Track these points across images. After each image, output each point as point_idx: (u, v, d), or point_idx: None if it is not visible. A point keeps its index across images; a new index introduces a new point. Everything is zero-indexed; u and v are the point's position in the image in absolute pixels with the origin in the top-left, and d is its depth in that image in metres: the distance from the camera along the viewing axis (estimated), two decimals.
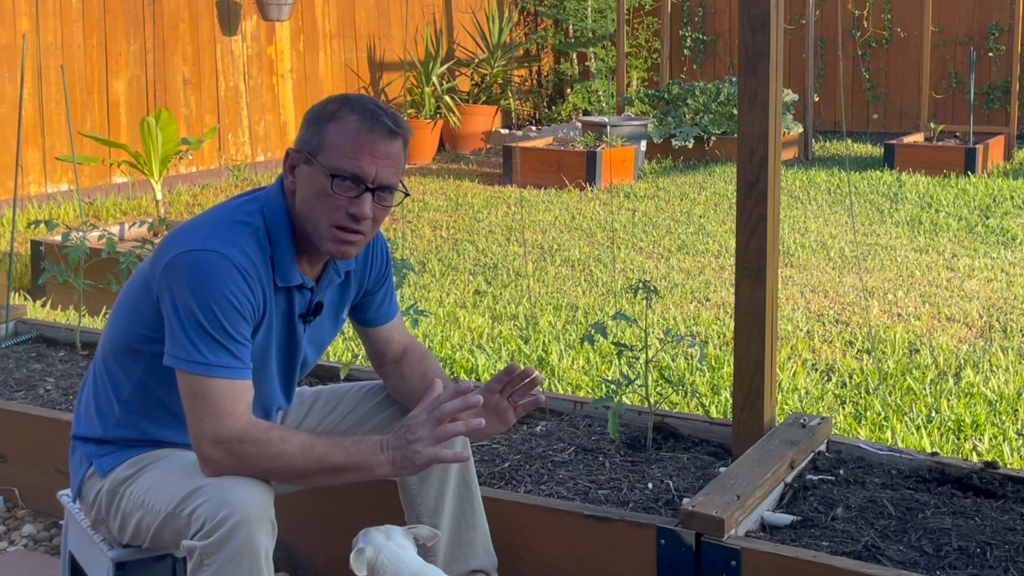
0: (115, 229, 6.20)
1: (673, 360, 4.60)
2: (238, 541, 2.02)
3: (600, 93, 12.31)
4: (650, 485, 2.95)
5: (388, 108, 2.25)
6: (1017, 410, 4.02)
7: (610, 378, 4.02)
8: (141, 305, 2.23)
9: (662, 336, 4.62)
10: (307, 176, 2.23)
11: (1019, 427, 3.86)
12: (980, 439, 3.73)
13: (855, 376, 4.42)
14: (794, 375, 4.45)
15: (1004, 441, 3.71)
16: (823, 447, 3.08)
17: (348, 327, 5.10)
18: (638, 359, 3.42)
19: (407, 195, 2.31)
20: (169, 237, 2.23)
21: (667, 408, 3.81)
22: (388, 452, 2.09)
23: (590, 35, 12.70)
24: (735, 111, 9.51)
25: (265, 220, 2.24)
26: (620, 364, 4.28)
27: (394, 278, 2.62)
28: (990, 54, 11.86)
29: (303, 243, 2.27)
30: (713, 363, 4.55)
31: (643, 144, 9.83)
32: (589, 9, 12.64)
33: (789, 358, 4.68)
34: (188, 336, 2.11)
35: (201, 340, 2.11)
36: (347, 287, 2.44)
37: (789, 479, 2.87)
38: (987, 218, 7.55)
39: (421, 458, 2.08)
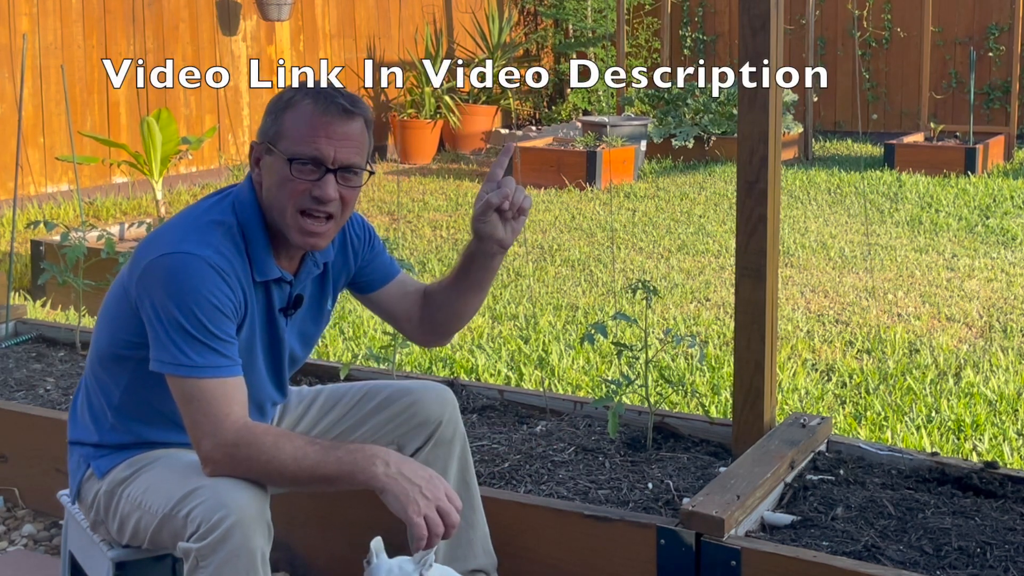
0: (115, 229, 6.20)
1: (673, 360, 4.60)
2: (234, 543, 2.01)
3: (600, 93, 12.31)
4: (650, 485, 2.95)
5: (345, 91, 2.26)
6: (1017, 410, 4.02)
7: (610, 378, 4.02)
8: (122, 312, 2.23)
9: (662, 336, 4.62)
10: (269, 166, 2.23)
11: (1019, 427, 3.86)
12: (980, 439, 3.72)
13: (855, 376, 4.42)
14: (794, 375, 4.45)
15: (1004, 441, 3.71)
16: (823, 447, 3.08)
17: (349, 328, 5.12)
18: (638, 359, 3.42)
19: (372, 173, 2.31)
20: (144, 243, 2.22)
21: (667, 408, 3.81)
22: (389, 468, 2.05)
23: (590, 35, 12.70)
24: (735, 111, 9.51)
25: (237, 217, 2.23)
26: (620, 364, 4.28)
27: None
28: (990, 54, 11.86)
29: (278, 236, 2.26)
30: (713, 363, 4.55)
31: (643, 144, 9.83)
32: (589, 9, 12.64)
33: (789, 358, 4.68)
34: (172, 340, 2.10)
35: (186, 343, 2.10)
36: (326, 279, 2.44)
37: (789, 479, 2.87)
38: (987, 218, 7.55)
39: (413, 511, 2.02)
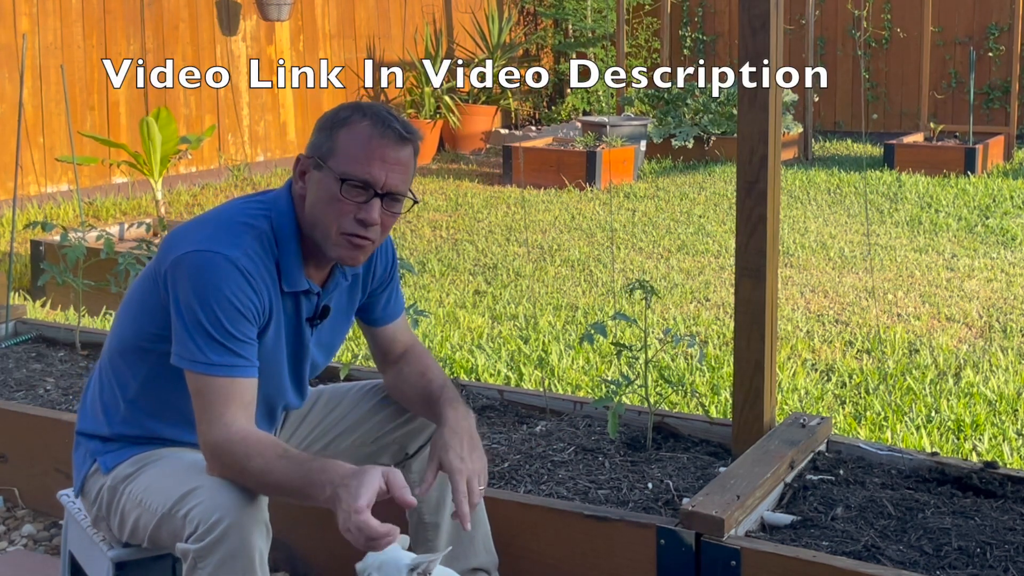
0: (115, 229, 6.20)
1: (673, 360, 4.60)
2: (232, 544, 2.02)
3: (600, 93, 12.31)
4: (650, 485, 2.95)
5: (399, 115, 2.26)
6: (1017, 410, 4.02)
7: (610, 378, 4.02)
8: (149, 304, 2.24)
9: (662, 336, 4.62)
10: (317, 181, 2.23)
11: (1019, 427, 3.86)
12: (980, 439, 3.73)
13: (855, 376, 4.42)
14: (794, 375, 4.45)
15: (1004, 441, 3.71)
16: (823, 447, 3.08)
17: (349, 328, 5.11)
18: (638, 359, 3.42)
19: (416, 202, 2.31)
20: (174, 234, 2.23)
21: (667, 408, 3.81)
22: (331, 491, 2.00)
23: (590, 35, 12.70)
24: (735, 111, 9.50)
25: (272, 225, 2.24)
26: (620, 364, 4.28)
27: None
28: (990, 54, 11.86)
29: (310, 248, 2.27)
30: (713, 363, 4.55)
31: (643, 144, 9.83)
32: (589, 9, 12.64)
33: (789, 358, 4.68)
34: (192, 336, 2.12)
35: (204, 340, 2.12)
36: (354, 290, 2.45)
37: (789, 479, 2.87)
38: (987, 218, 7.55)
39: (340, 528, 2.00)
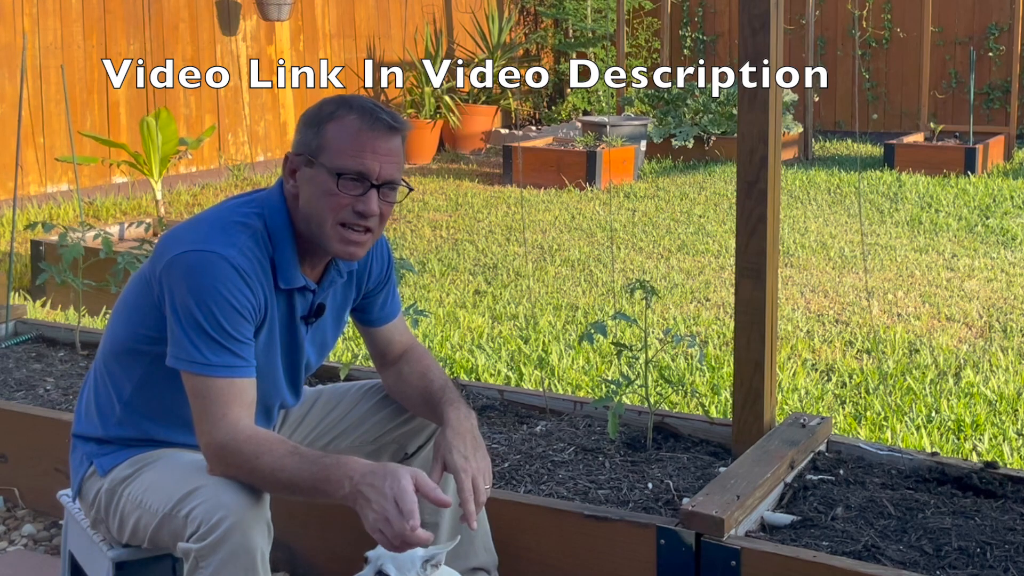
0: (115, 229, 6.20)
1: (673, 360, 4.60)
2: (233, 543, 2.02)
3: (600, 93, 12.31)
4: (650, 485, 2.95)
5: (384, 106, 2.27)
6: (1017, 410, 4.02)
7: (610, 378, 4.02)
8: (142, 305, 2.24)
9: (662, 336, 4.62)
10: (310, 178, 2.22)
11: (1019, 427, 3.86)
12: (980, 439, 3.73)
13: (855, 376, 4.42)
14: (794, 375, 4.45)
15: (1004, 441, 3.71)
16: (823, 447, 3.08)
17: (349, 329, 5.11)
18: (638, 359, 3.42)
19: (411, 190, 2.31)
20: (168, 236, 2.23)
21: (667, 408, 3.81)
22: (353, 486, 2.01)
23: (590, 35, 12.70)
24: (735, 111, 9.50)
25: (265, 222, 2.24)
26: (620, 364, 4.28)
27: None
28: (990, 54, 11.86)
29: (304, 245, 2.27)
30: (713, 363, 4.55)
31: (643, 144, 9.83)
32: (589, 9, 12.64)
33: (789, 358, 4.68)
34: (188, 337, 2.12)
35: (201, 340, 2.11)
36: (349, 288, 2.44)
37: (789, 479, 2.87)
38: (987, 218, 7.55)
39: (368, 527, 2.00)
